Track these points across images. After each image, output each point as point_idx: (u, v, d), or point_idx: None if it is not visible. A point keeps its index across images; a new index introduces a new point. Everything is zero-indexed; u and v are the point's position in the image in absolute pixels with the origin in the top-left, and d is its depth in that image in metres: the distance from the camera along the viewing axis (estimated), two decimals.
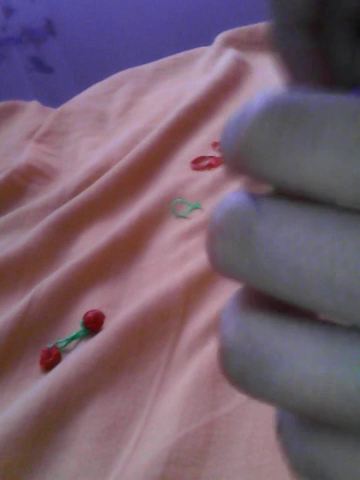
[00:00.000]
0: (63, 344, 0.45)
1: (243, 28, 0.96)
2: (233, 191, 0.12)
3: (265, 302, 0.12)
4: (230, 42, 0.93)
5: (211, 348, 0.41)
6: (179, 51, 1.00)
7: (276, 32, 0.20)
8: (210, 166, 0.65)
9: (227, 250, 0.11)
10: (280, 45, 0.19)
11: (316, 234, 0.10)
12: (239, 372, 0.11)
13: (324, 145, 0.10)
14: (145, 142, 0.69)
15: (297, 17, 0.19)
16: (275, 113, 0.10)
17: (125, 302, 0.49)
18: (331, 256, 0.10)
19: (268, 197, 0.11)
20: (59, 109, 0.88)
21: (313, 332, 0.11)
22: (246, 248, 0.11)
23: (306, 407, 0.10)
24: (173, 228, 0.57)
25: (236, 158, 0.12)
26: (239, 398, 0.38)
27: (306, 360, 0.10)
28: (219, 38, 0.95)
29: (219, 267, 0.12)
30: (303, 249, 0.10)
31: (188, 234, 0.55)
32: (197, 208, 0.59)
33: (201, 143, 0.70)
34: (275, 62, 0.20)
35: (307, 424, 0.11)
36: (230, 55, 0.88)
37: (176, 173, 0.65)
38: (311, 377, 0.10)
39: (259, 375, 0.11)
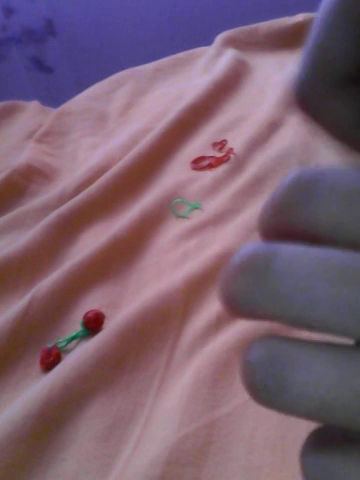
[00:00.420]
0: (63, 344, 0.45)
1: (243, 28, 0.96)
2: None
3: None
4: (230, 42, 0.93)
5: (211, 348, 0.41)
6: (179, 51, 1.00)
7: (310, 91, 0.20)
8: (210, 166, 0.65)
9: (246, 284, 0.13)
10: (314, 105, 0.20)
11: (325, 264, 0.13)
12: (263, 383, 0.13)
13: None
14: (145, 142, 0.69)
15: (336, 74, 0.19)
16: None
17: (125, 302, 0.49)
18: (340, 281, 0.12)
19: (281, 242, 0.14)
20: (59, 109, 0.88)
21: (322, 346, 0.13)
22: (264, 280, 0.13)
23: (322, 408, 0.12)
24: (173, 228, 0.57)
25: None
26: (239, 398, 0.38)
27: (320, 365, 0.12)
28: (219, 38, 0.95)
29: (237, 303, 0.14)
30: (314, 275, 0.12)
31: (188, 234, 0.55)
32: (197, 208, 0.59)
33: (201, 143, 0.70)
34: (306, 121, 0.20)
35: (324, 438, 0.13)
36: (230, 55, 0.88)
37: (176, 173, 0.65)
38: (325, 378, 0.12)
39: (280, 383, 0.13)
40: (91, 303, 0.49)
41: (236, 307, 0.14)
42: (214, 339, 0.42)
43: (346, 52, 0.19)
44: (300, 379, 0.12)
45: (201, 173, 0.64)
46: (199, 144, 0.70)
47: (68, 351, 0.45)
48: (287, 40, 0.93)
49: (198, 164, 0.66)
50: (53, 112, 0.87)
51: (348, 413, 0.12)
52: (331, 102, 0.19)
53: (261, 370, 0.13)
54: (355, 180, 0.13)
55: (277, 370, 0.13)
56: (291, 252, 0.13)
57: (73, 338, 0.46)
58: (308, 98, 0.20)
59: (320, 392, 0.12)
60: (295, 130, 0.69)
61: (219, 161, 0.65)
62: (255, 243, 0.14)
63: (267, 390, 0.13)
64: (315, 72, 0.19)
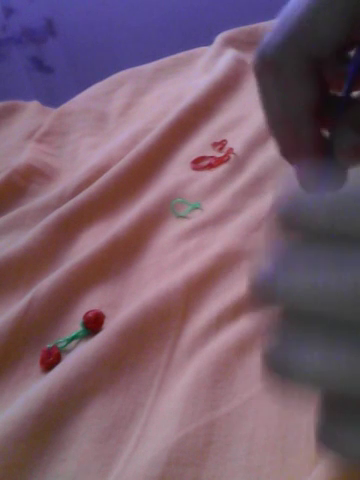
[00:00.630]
0: (63, 344, 0.45)
1: (243, 28, 0.96)
2: None
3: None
4: (230, 42, 0.93)
5: (211, 348, 0.41)
6: (179, 51, 0.99)
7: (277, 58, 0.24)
8: (210, 166, 0.65)
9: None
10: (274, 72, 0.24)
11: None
12: (281, 364, 0.17)
13: None
14: (145, 142, 0.69)
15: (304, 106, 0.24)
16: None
17: (125, 302, 0.49)
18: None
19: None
20: (59, 109, 0.88)
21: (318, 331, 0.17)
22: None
23: (319, 377, 0.16)
24: (173, 228, 0.57)
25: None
26: (239, 398, 0.38)
27: (316, 346, 0.16)
28: (219, 38, 0.95)
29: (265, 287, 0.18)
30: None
31: (188, 234, 0.55)
32: (197, 208, 0.59)
33: (201, 143, 0.70)
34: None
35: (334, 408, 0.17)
36: (230, 55, 0.87)
37: (176, 173, 0.65)
38: (319, 355, 0.16)
39: (295, 360, 0.17)
40: (91, 303, 0.49)
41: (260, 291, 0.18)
42: (214, 339, 0.42)
43: (333, 27, 0.21)
44: (309, 357, 0.16)
45: (201, 173, 0.64)
46: (199, 144, 0.70)
47: (68, 351, 0.45)
48: None
49: (198, 164, 0.66)
50: (53, 112, 0.87)
51: (338, 381, 0.16)
52: (295, 75, 0.23)
53: (278, 356, 0.17)
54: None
55: (292, 353, 0.17)
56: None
57: (73, 338, 0.46)
58: (271, 63, 0.23)
59: (328, 363, 0.16)
60: None
61: (219, 161, 0.65)
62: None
63: (286, 370, 0.17)
64: (292, 40, 0.22)
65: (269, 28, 0.24)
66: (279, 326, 0.17)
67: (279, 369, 0.17)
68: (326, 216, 0.16)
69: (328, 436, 0.17)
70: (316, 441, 0.17)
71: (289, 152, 0.26)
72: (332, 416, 0.17)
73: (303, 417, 0.35)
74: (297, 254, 0.17)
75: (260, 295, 0.18)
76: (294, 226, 0.17)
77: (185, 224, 0.56)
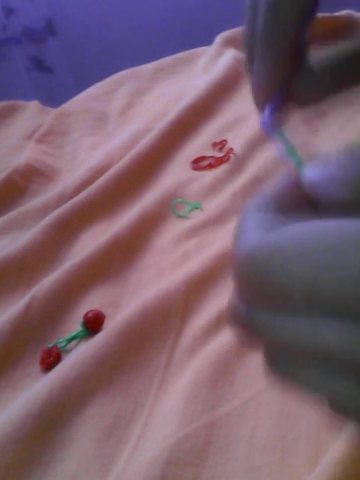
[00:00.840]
0: (63, 344, 0.45)
1: (243, 28, 0.96)
2: None
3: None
4: (230, 42, 0.93)
5: (211, 348, 0.41)
6: (179, 51, 1.00)
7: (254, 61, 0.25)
8: (210, 166, 0.65)
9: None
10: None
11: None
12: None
13: None
14: (145, 142, 0.69)
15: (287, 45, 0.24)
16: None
17: (125, 302, 0.49)
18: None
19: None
20: (59, 109, 0.88)
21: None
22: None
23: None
24: (173, 228, 0.57)
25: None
26: (239, 398, 0.38)
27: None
28: (219, 38, 0.95)
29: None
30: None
31: (188, 234, 0.55)
32: (197, 208, 0.59)
33: (201, 143, 0.70)
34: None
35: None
36: (230, 55, 0.88)
37: (176, 173, 0.65)
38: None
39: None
40: (91, 303, 0.49)
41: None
42: (214, 339, 0.42)
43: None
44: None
45: (201, 173, 0.64)
46: (199, 144, 0.70)
47: (68, 351, 0.45)
48: None
49: (198, 164, 0.66)
50: (53, 112, 0.87)
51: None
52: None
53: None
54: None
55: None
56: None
57: (73, 338, 0.46)
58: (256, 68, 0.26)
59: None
60: (295, 130, 0.68)
61: (219, 161, 0.65)
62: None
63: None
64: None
65: None
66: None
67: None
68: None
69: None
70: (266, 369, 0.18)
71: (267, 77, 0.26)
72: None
73: (303, 417, 0.35)
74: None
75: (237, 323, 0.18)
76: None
77: (185, 224, 0.56)
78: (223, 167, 0.64)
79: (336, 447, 0.30)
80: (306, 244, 0.15)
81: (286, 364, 0.17)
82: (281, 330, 0.16)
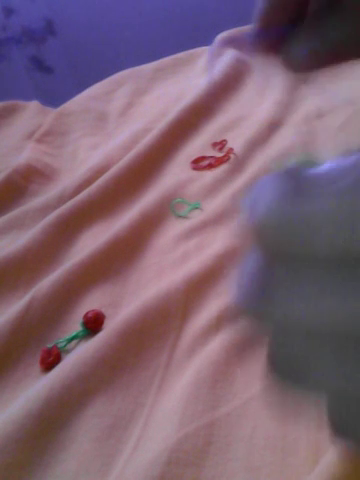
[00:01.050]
0: (63, 344, 0.45)
1: (243, 28, 0.96)
2: None
3: None
4: (230, 42, 0.93)
5: (211, 348, 0.41)
6: (179, 51, 1.00)
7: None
8: (210, 166, 0.65)
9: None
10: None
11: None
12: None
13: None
14: (145, 142, 0.69)
15: None
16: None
17: (125, 302, 0.49)
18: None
19: None
20: (59, 109, 0.88)
21: None
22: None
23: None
24: (173, 228, 0.57)
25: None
26: (239, 398, 0.38)
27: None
28: (219, 38, 0.95)
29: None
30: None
31: (188, 234, 0.55)
32: (197, 208, 0.59)
33: (201, 143, 0.70)
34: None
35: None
36: (230, 55, 0.88)
37: (176, 173, 0.65)
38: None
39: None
40: (91, 303, 0.49)
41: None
42: (214, 339, 0.42)
43: None
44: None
45: (201, 173, 0.64)
46: (199, 144, 0.70)
47: (68, 351, 0.45)
48: None
49: (198, 164, 0.66)
50: (53, 112, 0.87)
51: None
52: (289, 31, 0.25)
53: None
54: None
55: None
56: None
57: (73, 338, 0.46)
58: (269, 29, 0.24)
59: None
60: (295, 130, 0.69)
61: (219, 161, 0.65)
62: None
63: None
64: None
65: None
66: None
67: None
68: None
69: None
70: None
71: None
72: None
73: (303, 417, 0.35)
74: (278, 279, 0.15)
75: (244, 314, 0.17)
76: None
77: (185, 224, 0.56)
78: (223, 167, 0.64)
79: (336, 447, 0.30)
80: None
81: (291, 360, 0.16)
82: (302, 298, 0.15)
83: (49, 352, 0.44)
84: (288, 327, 0.16)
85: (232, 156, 0.65)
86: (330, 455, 0.30)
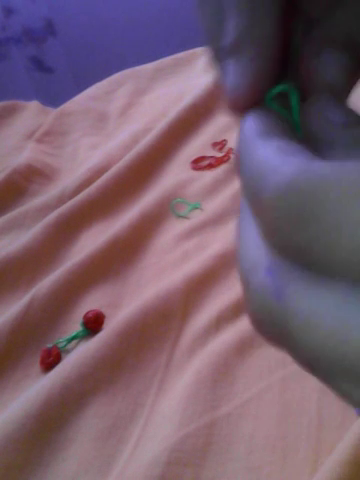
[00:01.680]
0: (63, 344, 0.45)
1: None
2: None
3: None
4: None
5: (211, 348, 0.41)
6: (179, 51, 1.00)
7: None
8: (210, 166, 0.65)
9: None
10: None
11: None
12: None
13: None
14: (145, 142, 0.69)
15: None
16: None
17: (125, 302, 0.49)
18: None
19: None
20: (59, 109, 0.88)
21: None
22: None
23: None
24: (173, 228, 0.57)
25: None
26: (239, 398, 0.38)
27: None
28: None
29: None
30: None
31: (188, 234, 0.55)
32: (197, 208, 0.59)
33: (201, 143, 0.70)
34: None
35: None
36: None
37: (176, 173, 0.65)
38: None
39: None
40: (91, 303, 0.49)
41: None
42: (214, 339, 0.42)
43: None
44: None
45: (201, 173, 0.64)
46: (199, 144, 0.70)
47: (68, 351, 0.45)
48: None
49: (198, 164, 0.66)
50: (53, 112, 0.87)
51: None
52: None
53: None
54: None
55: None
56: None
57: (73, 338, 0.46)
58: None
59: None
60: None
61: (219, 161, 0.65)
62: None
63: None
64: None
65: None
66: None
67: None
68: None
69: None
70: None
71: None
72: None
73: (303, 417, 0.35)
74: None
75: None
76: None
77: (185, 224, 0.56)
78: (223, 167, 0.64)
79: (341, 447, 0.30)
80: None
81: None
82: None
83: (49, 352, 0.44)
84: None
85: (232, 156, 0.65)
86: (336, 455, 0.30)
